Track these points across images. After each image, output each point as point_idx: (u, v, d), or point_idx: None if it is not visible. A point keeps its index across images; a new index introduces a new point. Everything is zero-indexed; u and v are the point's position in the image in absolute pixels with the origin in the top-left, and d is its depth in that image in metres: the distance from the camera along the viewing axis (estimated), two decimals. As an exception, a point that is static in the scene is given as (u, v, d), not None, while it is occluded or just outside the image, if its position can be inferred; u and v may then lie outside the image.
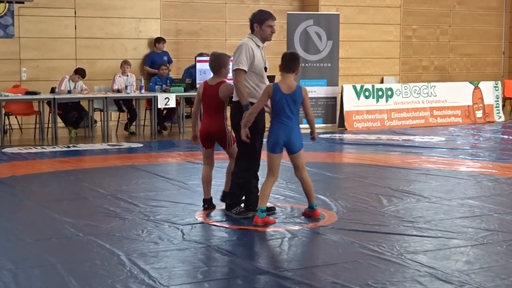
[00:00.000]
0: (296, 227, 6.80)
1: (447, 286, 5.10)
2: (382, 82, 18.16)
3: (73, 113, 13.90)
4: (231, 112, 7.17)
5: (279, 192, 8.14)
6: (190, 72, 15.08)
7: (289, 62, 6.85)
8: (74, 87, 13.56)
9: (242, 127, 6.84)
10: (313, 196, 7.11)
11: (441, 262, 5.67)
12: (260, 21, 7.15)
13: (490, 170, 10.03)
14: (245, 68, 6.97)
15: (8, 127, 13.70)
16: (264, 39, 7.18)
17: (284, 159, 7.05)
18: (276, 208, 7.40)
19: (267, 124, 7.01)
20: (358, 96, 15.27)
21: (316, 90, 15.09)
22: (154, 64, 15.21)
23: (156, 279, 5.23)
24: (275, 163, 6.89)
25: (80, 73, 13.67)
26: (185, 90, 14.11)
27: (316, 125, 14.67)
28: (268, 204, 7.02)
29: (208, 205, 7.49)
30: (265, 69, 7.15)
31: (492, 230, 6.67)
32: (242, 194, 7.21)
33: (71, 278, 5.23)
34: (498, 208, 7.59)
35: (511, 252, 5.97)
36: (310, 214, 7.12)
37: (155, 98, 13.68)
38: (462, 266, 5.58)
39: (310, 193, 7.07)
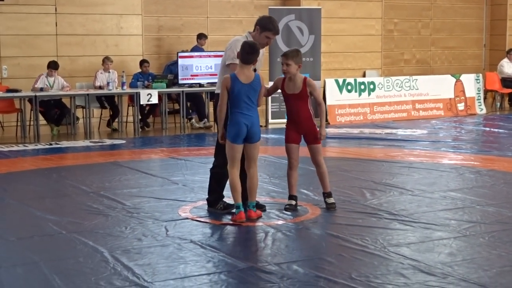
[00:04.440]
0: (280, 222, 6.81)
1: (430, 278, 5.12)
2: (364, 76, 18.19)
3: (55, 110, 13.84)
4: (214, 105, 7.18)
5: (262, 187, 8.12)
6: (170, 69, 15.05)
7: (248, 55, 6.76)
8: (54, 83, 13.48)
9: (219, 129, 6.88)
10: (255, 195, 6.92)
11: (424, 255, 5.69)
12: (262, 28, 7.10)
13: (472, 163, 10.08)
14: (236, 61, 6.98)
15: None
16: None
17: (263, 153, 7.04)
18: (260, 202, 7.38)
19: None
20: (341, 90, 15.29)
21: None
22: None
23: (140, 276, 5.22)
24: (237, 154, 6.83)
25: (51, 66, 13.56)
26: (167, 86, 14.09)
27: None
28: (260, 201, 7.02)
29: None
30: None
31: (475, 222, 6.71)
32: (222, 189, 7.23)
33: (54, 276, 5.22)
34: (480, 200, 7.63)
35: (494, 243, 6.01)
36: (251, 214, 6.88)
37: (138, 94, 13.64)
38: (445, 258, 5.61)
39: (252, 191, 6.89)
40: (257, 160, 6.92)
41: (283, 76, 7.27)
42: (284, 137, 7.38)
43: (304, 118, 7.22)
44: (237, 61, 6.94)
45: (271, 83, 7.78)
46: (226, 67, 7.12)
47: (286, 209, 7.22)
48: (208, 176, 7.38)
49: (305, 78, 7.22)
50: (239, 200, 6.82)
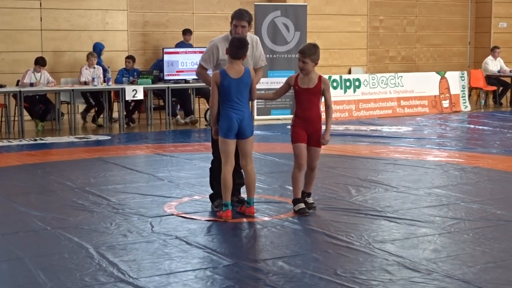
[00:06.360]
0: (265, 218, 6.82)
1: (415, 275, 5.15)
2: (349, 72, 18.23)
3: (39, 106, 13.78)
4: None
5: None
6: (160, 65, 14.97)
7: (237, 49, 6.75)
8: (40, 78, 13.43)
9: (212, 125, 6.86)
10: (254, 191, 6.91)
11: (409, 251, 5.72)
12: (231, 19, 7.12)
13: (457, 160, 10.13)
14: (204, 65, 7.10)
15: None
16: None
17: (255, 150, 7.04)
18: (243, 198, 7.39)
19: None
20: (326, 87, 15.28)
21: (284, 81, 15.06)
22: None
23: (125, 272, 5.22)
24: (230, 149, 6.79)
25: (40, 62, 13.54)
26: (153, 82, 14.05)
27: (285, 116, 14.91)
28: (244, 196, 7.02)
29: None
30: None
31: (459, 219, 6.74)
32: (220, 186, 7.20)
33: (39, 272, 5.20)
34: (464, 196, 7.67)
35: (478, 240, 6.04)
36: (246, 211, 6.92)
37: (123, 90, 13.60)
38: (429, 254, 5.64)
39: (251, 187, 6.87)
40: (252, 155, 6.92)
41: (293, 73, 7.22)
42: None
43: (315, 117, 7.11)
44: (203, 63, 7.05)
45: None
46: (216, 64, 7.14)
47: (304, 215, 6.93)
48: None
49: (320, 76, 7.16)
50: (229, 199, 6.80)
